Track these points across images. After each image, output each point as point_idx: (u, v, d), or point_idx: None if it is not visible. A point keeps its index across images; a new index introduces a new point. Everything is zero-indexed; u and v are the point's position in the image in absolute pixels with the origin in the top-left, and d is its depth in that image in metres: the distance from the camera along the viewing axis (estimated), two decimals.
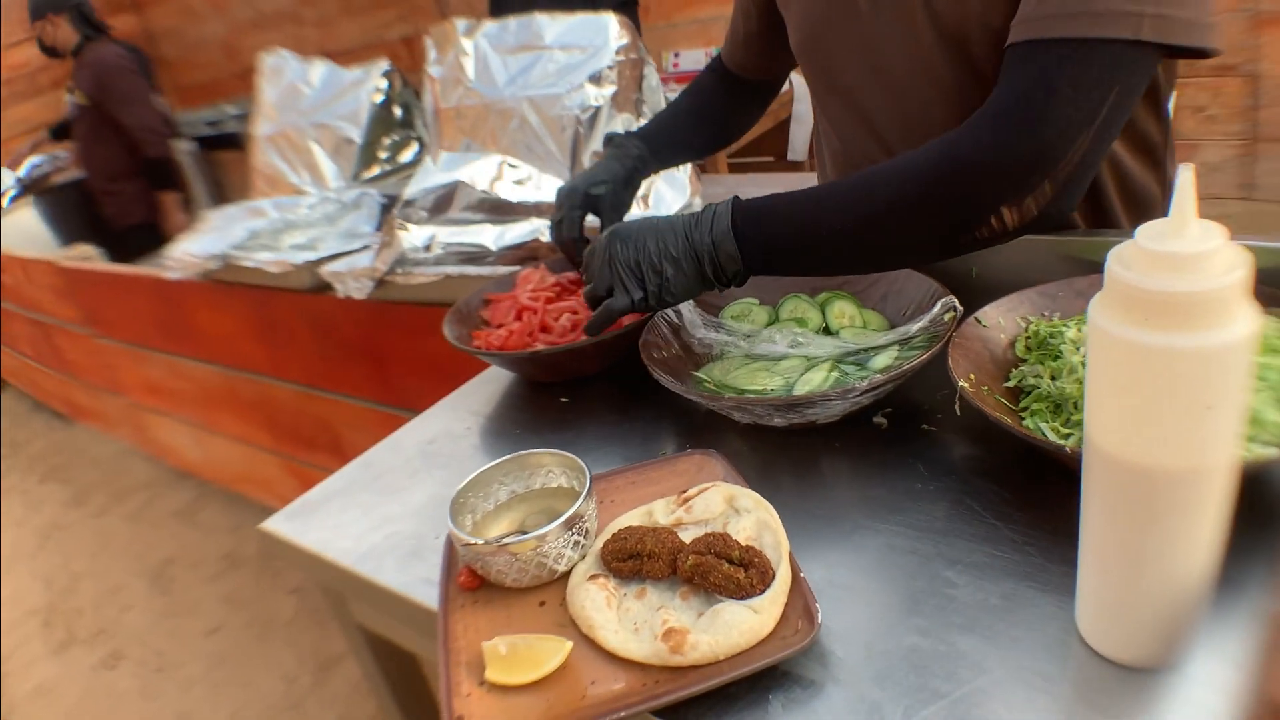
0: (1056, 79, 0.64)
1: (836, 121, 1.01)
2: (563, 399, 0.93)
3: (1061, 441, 0.60)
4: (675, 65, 2.98)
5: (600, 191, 0.98)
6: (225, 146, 3.71)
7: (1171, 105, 0.92)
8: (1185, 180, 0.40)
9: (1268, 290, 0.70)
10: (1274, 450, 0.57)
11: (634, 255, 0.75)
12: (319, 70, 2.19)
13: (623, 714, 0.50)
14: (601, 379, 0.95)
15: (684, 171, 1.81)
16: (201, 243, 1.93)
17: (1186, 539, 0.45)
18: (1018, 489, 0.65)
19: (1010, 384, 0.70)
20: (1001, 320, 0.76)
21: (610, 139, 1.07)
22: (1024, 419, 0.65)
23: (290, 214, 1.89)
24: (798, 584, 0.57)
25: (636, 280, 0.76)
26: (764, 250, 0.73)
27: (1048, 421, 0.63)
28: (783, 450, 0.76)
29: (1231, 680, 0.48)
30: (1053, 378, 0.67)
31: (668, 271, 0.74)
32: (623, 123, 1.78)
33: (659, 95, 1.86)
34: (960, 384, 0.66)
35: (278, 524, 0.82)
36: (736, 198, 0.75)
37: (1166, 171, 0.94)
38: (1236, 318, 0.40)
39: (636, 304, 0.76)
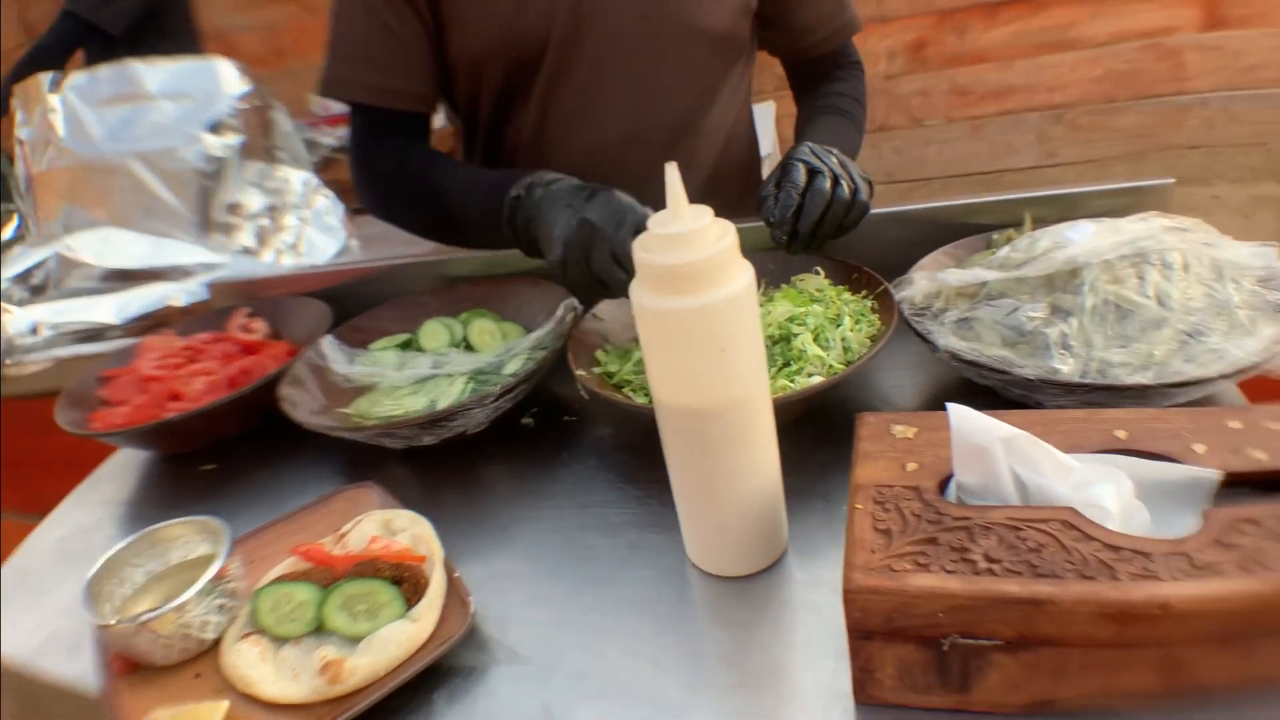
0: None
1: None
2: (205, 467, 0.87)
3: (648, 403, 0.69)
4: (327, 107, 2.75)
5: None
6: None
7: None
8: (672, 177, 0.49)
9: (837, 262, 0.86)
10: (819, 378, 0.71)
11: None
12: None
13: None
14: (248, 438, 0.89)
15: (335, 216, 1.77)
16: None
17: (742, 461, 0.54)
18: (643, 454, 0.74)
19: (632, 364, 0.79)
20: (616, 311, 0.85)
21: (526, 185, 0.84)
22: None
23: None
24: (453, 584, 0.60)
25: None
26: None
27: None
28: (442, 467, 0.79)
29: (828, 575, 0.57)
30: None
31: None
32: (257, 172, 1.69)
33: (295, 141, 1.79)
34: (578, 372, 0.74)
35: None
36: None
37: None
38: (731, 277, 0.50)
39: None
